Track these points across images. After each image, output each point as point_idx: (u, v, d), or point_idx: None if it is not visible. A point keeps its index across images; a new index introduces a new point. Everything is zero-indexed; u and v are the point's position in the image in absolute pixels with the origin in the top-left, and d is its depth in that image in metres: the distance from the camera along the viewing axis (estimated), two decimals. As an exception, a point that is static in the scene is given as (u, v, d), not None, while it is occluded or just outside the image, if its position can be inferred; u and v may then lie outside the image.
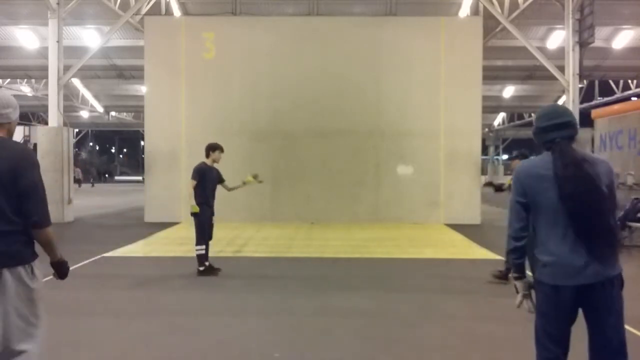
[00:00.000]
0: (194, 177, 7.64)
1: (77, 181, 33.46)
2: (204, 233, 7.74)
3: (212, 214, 7.89)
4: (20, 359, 2.82)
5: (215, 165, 7.91)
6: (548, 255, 2.70)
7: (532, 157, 2.95)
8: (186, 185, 8.01)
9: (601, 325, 2.67)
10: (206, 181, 7.69)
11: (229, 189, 8.11)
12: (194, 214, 7.68)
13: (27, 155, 2.92)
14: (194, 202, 7.59)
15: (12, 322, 2.80)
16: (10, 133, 3.01)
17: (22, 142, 30.95)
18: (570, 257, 2.63)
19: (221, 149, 7.87)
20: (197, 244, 7.71)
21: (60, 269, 3.06)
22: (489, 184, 8.15)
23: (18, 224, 2.81)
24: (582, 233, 2.60)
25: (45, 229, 2.89)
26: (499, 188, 7.92)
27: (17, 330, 2.81)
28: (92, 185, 41.06)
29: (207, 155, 7.82)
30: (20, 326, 2.83)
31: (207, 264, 7.78)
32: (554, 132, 2.76)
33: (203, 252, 7.74)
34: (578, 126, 2.84)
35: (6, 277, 2.78)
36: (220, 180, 7.97)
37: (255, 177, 8.23)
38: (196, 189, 7.64)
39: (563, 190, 2.60)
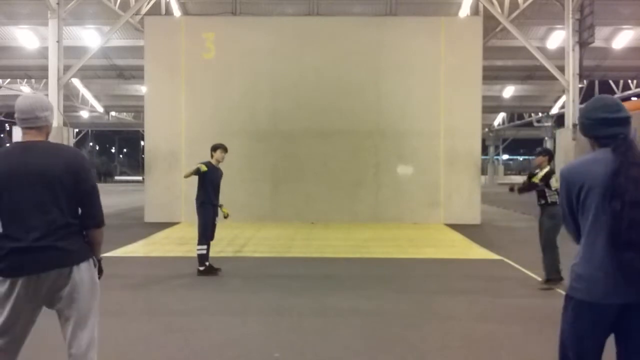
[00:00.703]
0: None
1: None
2: (206, 233, 7.75)
3: (216, 214, 7.91)
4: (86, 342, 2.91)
5: (220, 165, 7.96)
6: (586, 267, 2.35)
7: (581, 157, 2.54)
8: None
9: (637, 353, 2.34)
10: (208, 180, 7.70)
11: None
12: (199, 209, 7.71)
13: (83, 158, 3.03)
14: (190, 169, 7.65)
15: (82, 316, 2.91)
16: (48, 135, 3.03)
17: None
18: (615, 264, 2.27)
19: (223, 149, 7.91)
20: (199, 243, 7.71)
21: (101, 267, 3.13)
22: (512, 188, 8.00)
23: (75, 223, 2.91)
24: (633, 234, 2.23)
25: (102, 228, 3.03)
26: (522, 188, 7.75)
27: (84, 325, 2.91)
28: None
29: (211, 155, 7.88)
30: (88, 321, 2.93)
31: (207, 264, 7.78)
32: (617, 127, 2.41)
33: (204, 252, 7.74)
34: None
35: (74, 274, 2.87)
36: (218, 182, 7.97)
37: (226, 216, 8.07)
38: (200, 185, 7.70)
39: (624, 194, 2.25)
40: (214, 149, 7.87)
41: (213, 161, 7.84)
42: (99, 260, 3.10)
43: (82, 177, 2.89)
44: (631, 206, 2.25)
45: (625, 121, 2.44)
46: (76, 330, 2.90)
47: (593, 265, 2.33)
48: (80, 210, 2.93)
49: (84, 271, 2.90)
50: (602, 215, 2.31)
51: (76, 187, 2.87)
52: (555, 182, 7.04)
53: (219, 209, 7.96)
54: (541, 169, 7.42)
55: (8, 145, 3.30)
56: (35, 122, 2.92)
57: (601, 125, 2.44)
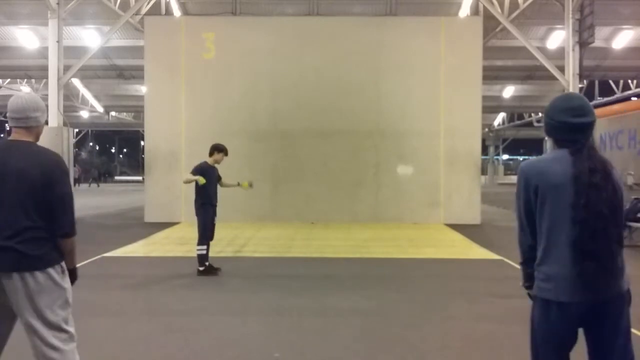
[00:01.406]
0: (193, 173, 7.65)
1: (76, 180, 33.45)
2: (205, 233, 7.75)
3: (215, 214, 7.91)
4: (55, 354, 2.87)
5: (216, 165, 7.94)
6: (552, 267, 2.36)
7: (540, 156, 2.58)
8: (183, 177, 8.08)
9: (606, 348, 2.38)
10: (207, 182, 7.69)
11: (222, 185, 8.10)
12: (199, 210, 7.73)
13: (60, 165, 2.96)
14: (191, 177, 7.62)
15: (48, 322, 2.85)
16: (38, 136, 3.04)
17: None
18: (577, 270, 2.30)
19: (225, 152, 7.91)
20: (199, 243, 7.71)
21: (73, 276, 3.10)
22: None
23: (45, 228, 2.86)
24: (594, 244, 2.27)
25: (72, 238, 2.97)
26: None
27: (54, 331, 2.87)
28: (98, 186, 40.76)
29: (210, 154, 7.85)
30: (57, 326, 2.88)
31: (207, 264, 7.79)
32: (579, 133, 2.40)
33: (204, 252, 7.74)
34: None
35: (39, 279, 2.82)
36: (218, 178, 7.99)
37: (250, 184, 8.49)
38: (199, 188, 7.66)
39: (582, 197, 2.28)
40: (218, 150, 7.83)
41: (210, 161, 7.83)
42: (73, 269, 3.05)
43: (54, 183, 2.84)
44: (594, 216, 2.27)
45: (589, 126, 2.42)
46: (41, 340, 2.85)
47: (559, 265, 2.35)
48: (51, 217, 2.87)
49: (46, 277, 2.84)
50: (563, 217, 2.33)
51: (47, 193, 2.83)
52: None
53: (240, 185, 8.33)
54: None
55: (1, 142, 3.32)
56: (25, 122, 2.94)
57: (562, 130, 2.44)
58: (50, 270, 2.86)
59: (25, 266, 2.80)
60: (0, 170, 2.82)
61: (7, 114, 2.97)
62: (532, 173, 2.43)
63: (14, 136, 2.97)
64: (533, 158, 2.59)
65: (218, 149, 7.86)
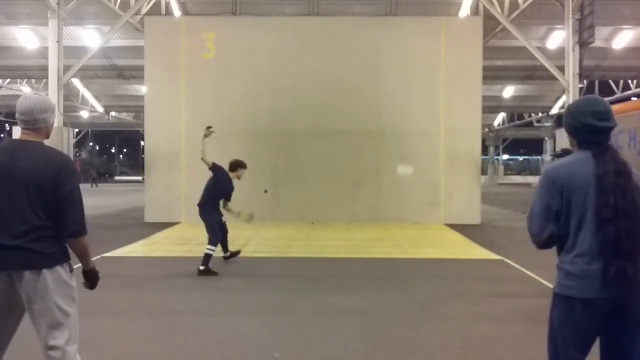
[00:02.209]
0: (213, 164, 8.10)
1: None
2: (215, 235, 7.94)
3: (221, 215, 8.24)
4: (57, 353, 2.91)
5: (235, 181, 8.33)
6: (576, 265, 2.43)
7: (563, 158, 2.63)
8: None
9: (626, 347, 2.43)
10: (221, 186, 8.07)
11: (225, 206, 8.43)
12: (202, 212, 8.08)
13: (68, 164, 2.99)
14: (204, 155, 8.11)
15: (54, 319, 2.90)
16: (47, 136, 3.07)
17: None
18: (602, 267, 2.37)
19: (245, 168, 8.42)
20: (210, 243, 7.84)
21: (92, 278, 3.14)
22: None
23: (53, 227, 2.90)
24: (620, 243, 2.35)
25: (82, 238, 2.97)
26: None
27: (59, 326, 2.92)
28: (96, 186, 40.70)
29: (233, 170, 8.28)
30: (62, 323, 2.93)
31: (210, 266, 7.79)
32: (602, 135, 2.50)
33: (212, 253, 7.81)
34: None
35: (46, 277, 2.87)
36: (228, 196, 8.34)
37: (251, 216, 8.73)
38: (210, 191, 8.09)
39: (608, 197, 2.36)
40: (240, 167, 8.34)
41: (232, 175, 8.24)
42: (91, 271, 3.10)
43: (60, 183, 2.87)
44: (620, 216, 2.35)
45: (610, 130, 2.50)
46: (47, 337, 2.90)
47: (583, 262, 2.42)
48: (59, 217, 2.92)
49: (56, 275, 2.89)
50: (589, 217, 2.41)
51: (54, 193, 2.87)
52: None
53: (240, 216, 8.48)
54: None
55: (3, 142, 3.37)
56: (33, 123, 2.98)
57: (587, 132, 2.51)
58: (59, 269, 2.91)
59: (35, 264, 2.85)
60: (8, 170, 2.87)
61: (16, 115, 3.02)
62: (556, 176, 2.50)
63: (22, 136, 3.01)
64: (556, 162, 2.63)
65: (241, 165, 8.33)
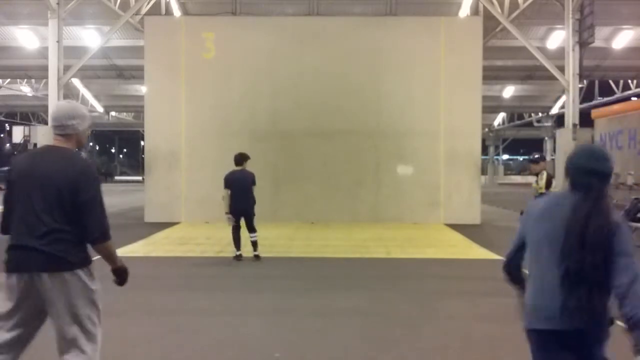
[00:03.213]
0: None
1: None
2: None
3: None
4: (79, 355, 2.93)
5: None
6: (540, 297, 2.48)
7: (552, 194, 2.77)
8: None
9: None
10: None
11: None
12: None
13: (88, 170, 3.00)
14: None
15: (74, 322, 2.92)
16: (80, 143, 3.13)
17: (22, 142, 30.85)
18: (562, 303, 2.39)
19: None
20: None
21: (121, 275, 3.21)
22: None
23: (72, 231, 2.92)
24: (576, 284, 2.35)
25: (106, 242, 3.02)
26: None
27: (79, 330, 2.93)
28: None
29: (241, 164, 9.03)
30: (82, 326, 2.94)
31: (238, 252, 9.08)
32: (594, 177, 2.45)
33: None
34: None
35: (66, 279, 2.89)
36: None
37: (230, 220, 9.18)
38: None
39: (591, 240, 2.34)
40: (246, 159, 9.15)
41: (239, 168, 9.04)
42: (120, 269, 3.18)
43: (79, 190, 2.90)
44: (592, 250, 2.33)
45: (604, 174, 2.47)
46: (65, 341, 2.92)
47: (546, 296, 2.44)
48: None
49: (76, 278, 2.91)
50: (554, 256, 2.41)
51: (74, 198, 2.89)
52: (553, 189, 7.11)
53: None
54: (540, 175, 7.47)
55: (37, 147, 3.42)
56: (62, 129, 3.03)
57: (579, 172, 2.50)
58: (79, 272, 2.93)
59: (54, 267, 2.88)
60: (29, 174, 2.94)
61: (49, 122, 3.20)
62: (532, 213, 2.58)
63: (53, 142, 3.07)
64: (539, 199, 2.72)
65: (246, 158, 9.22)
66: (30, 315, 2.94)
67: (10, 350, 2.94)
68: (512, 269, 2.70)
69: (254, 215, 9.09)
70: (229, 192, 8.80)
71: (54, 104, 3.20)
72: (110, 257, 3.08)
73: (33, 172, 2.94)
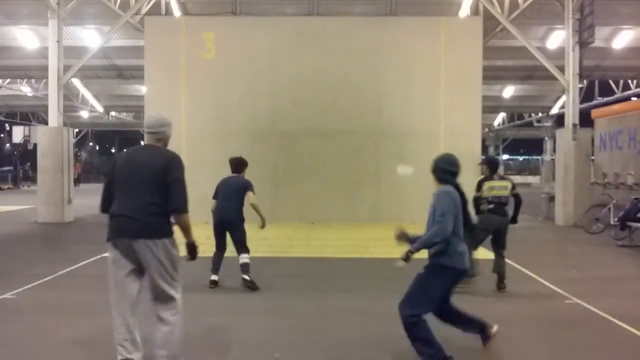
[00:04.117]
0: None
1: (76, 180, 33.25)
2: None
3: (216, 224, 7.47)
4: (171, 304, 3.91)
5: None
6: (461, 245, 4.53)
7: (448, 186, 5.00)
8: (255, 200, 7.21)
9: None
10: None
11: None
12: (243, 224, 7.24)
13: (176, 159, 3.95)
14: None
15: (163, 276, 3.84)
16: (166, 144, 4.16)
17: (22, 142, 30.89)
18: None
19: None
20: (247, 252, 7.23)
21: (193, 250, 4.04)
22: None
23: (163, 206, 3.82)
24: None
25: (184, 214, 3.88)
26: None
27: (167, 283, 3.87)
28: (78, 186, 39.16)
29: (241, 171, 7.35)
30: (169, 281, 3.88)
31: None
32: (454, 176, 5.01)
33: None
34: None
35: (158, 245, 3.80)
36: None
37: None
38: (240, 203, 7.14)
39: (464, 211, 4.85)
40: (244, 165, 7.41)
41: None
42: (192, 244, 3.99)
43: (170, 171, 3.82)
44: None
45: (457, 173, 4.90)
46: (157, 292, 3.87)
47: (462, 246, 4.48)
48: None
49: (164, 245, 3.80)
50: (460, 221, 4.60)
51: (165, 178, 3.79)
52: (487, 191, 7.34)
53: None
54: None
55: (135, 147, 4.86)
56: (156, 135, 4.08)
57: (450, 175, 4.93)
58: (166, 240, 3.83)
59: (149, 234, 3.77)
60: (132, 163, 3.93)
61: (144, 129, 4.14)
62: (455, 196, 4.72)
63: (147, 142, 4.10)
64: (447, 188, 4.95)
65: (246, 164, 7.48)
66: (131, 275, 3.87)
67: (138, 294, 4.00)
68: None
69: (243, 231, 7.11)
70: (216, 202, 7.15)
71: (147, 114, 4.20)
72: (186, 227, 3.90)
73: (134, 162, 3.91)
